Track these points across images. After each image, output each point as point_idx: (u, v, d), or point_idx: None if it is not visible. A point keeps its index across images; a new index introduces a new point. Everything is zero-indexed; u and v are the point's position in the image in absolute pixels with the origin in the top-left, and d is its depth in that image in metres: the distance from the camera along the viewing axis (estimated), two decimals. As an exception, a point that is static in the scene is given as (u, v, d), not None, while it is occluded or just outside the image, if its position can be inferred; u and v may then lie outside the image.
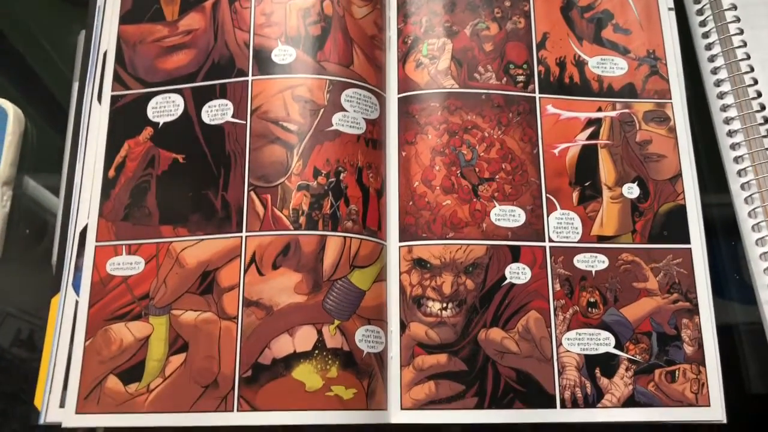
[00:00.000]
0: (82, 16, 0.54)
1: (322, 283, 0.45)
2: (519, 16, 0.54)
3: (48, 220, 0.51)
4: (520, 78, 0.52)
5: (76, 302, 0.47)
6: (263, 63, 0.50)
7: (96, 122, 0.51)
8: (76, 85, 0.52)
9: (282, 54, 0.50)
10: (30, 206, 0.52)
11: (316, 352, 0.44)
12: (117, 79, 0.52)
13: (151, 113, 0.50)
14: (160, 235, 0.47)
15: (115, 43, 0.52)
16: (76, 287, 0.47)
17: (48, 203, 0.52)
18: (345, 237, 0.47)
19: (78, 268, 0.48)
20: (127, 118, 0.51)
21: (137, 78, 0.51)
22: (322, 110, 0.49)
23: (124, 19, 0.53)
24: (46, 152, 0.54)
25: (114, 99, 0.51)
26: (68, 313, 0.47)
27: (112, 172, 0.49)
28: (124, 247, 0.48)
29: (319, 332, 0.44)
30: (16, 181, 0.52)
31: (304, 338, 0.44)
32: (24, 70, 0.58)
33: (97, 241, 0.48)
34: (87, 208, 0.49)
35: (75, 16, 0.56)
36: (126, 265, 0.47)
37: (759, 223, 0.50)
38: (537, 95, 0.52)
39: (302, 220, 0.46)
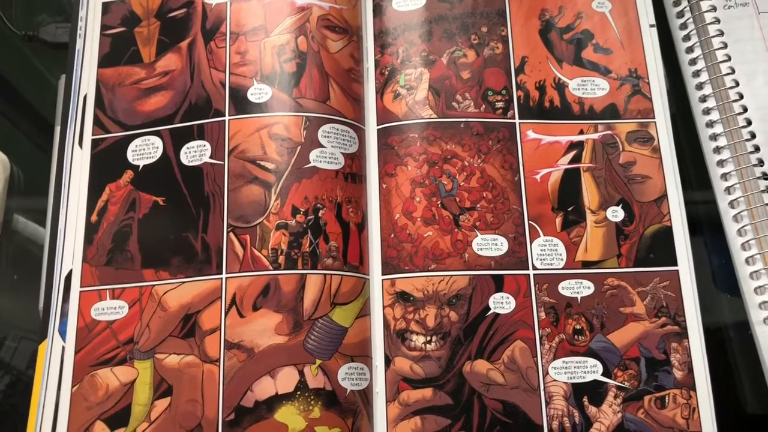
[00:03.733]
0: (63, 59, 0.54)
1: (302, 322, 0.45)
2: (496, 42, 0.54)
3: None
4: (499, 104, 0.52)
5: (63, 348, 0.47)
6: (239, 102, 0.50)
7: (78, 167, 0.51)
8: (57, 130, 0.53)
9: (258, 92, 0.50)
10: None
11: (298, 393, 0.44)
12: (97, 122, 0.52)
13: (131, 156, 0.51)
14: (142, 279, 0.48)
15: (94, 87, 0.53)
16: (63, 333, 0.48)
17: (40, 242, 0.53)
18: (325, 274, 0.46)
19: (64, 314, 0.48)
20: (107, 162, 0.51)
21: (116, 121, 0.52)
22: (299, 147, 0.49)
23: (103, 62, 0.53)
24: (34, 196, 0.55)
25: (95, 143, 0.51)
26: (55, 359, 0.47)
27: (94, 217, 0.50)
28: (108, 291, 0.48)
29: (301, 373, 0.44)
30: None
31: (286, 380, 0.44)
32: (10, 114, 0.58)
33: (81, 286, 0.48)
34: (71, 253, 0.49)
35: (56, 59, 0.57)
36: (110, 309, 0.47)
37: (748, 241, 0.50)
38: (517, 121, 0.52)
39: (281, 259, 0.46)
